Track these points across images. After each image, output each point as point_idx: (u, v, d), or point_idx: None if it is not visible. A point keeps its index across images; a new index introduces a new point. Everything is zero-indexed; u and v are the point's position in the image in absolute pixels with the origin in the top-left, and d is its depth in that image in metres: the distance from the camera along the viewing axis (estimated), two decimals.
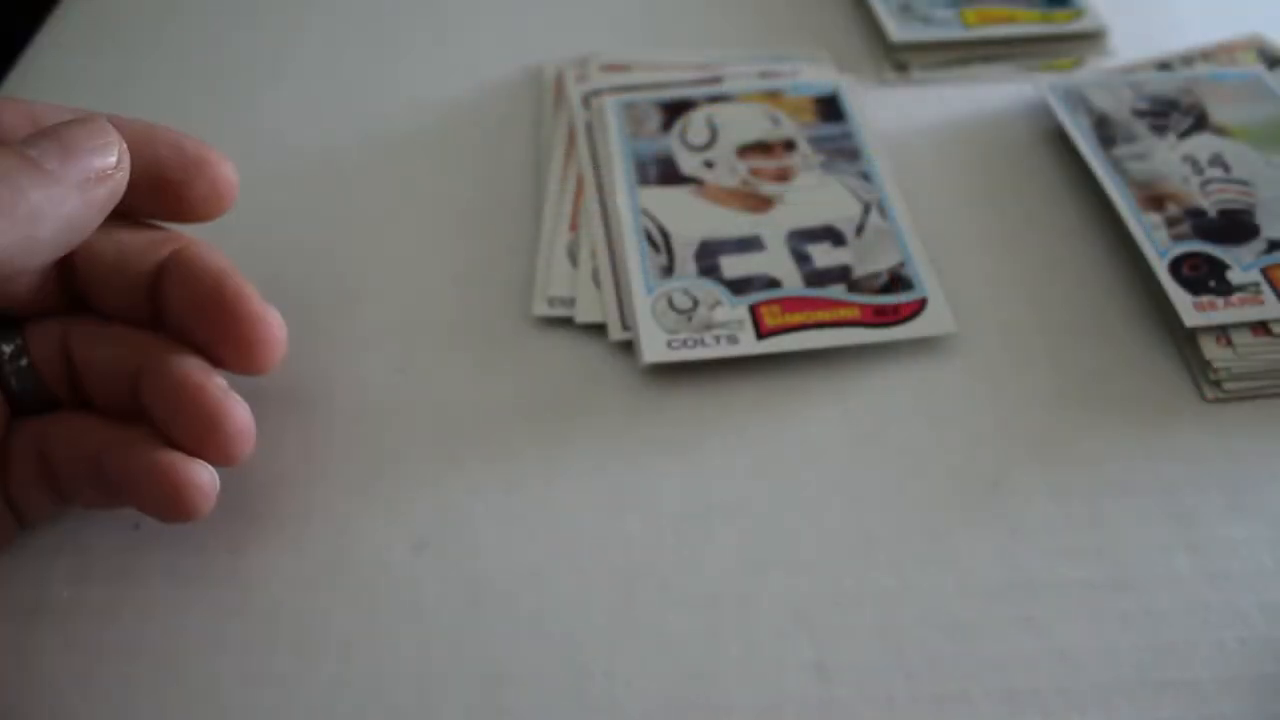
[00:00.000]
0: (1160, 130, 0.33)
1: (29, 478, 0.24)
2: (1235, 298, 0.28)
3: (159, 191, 0.24)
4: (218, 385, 0.23)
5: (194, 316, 0.24)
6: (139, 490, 0.23)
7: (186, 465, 0.23)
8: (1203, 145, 0.33)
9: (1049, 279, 0.30)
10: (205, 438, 0.23)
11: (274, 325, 0.24)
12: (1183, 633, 0.23)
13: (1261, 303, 0.28)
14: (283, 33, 0.41)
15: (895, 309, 0.29)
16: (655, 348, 0.27)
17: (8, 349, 0.24)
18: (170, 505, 0.23)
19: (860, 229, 0.31)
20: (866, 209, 0.31)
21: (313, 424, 0.27)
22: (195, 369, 0.23)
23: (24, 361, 0.24)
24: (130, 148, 0.23)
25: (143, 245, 0.24)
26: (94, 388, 0.24)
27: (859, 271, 0.30)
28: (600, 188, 0.32)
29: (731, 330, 0.28)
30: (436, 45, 0.40)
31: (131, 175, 0.23)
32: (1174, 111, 0.34)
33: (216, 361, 0.24)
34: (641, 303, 0.29)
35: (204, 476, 0.23)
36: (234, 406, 0.23)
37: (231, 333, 0.24)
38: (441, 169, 0.35)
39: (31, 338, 0.24)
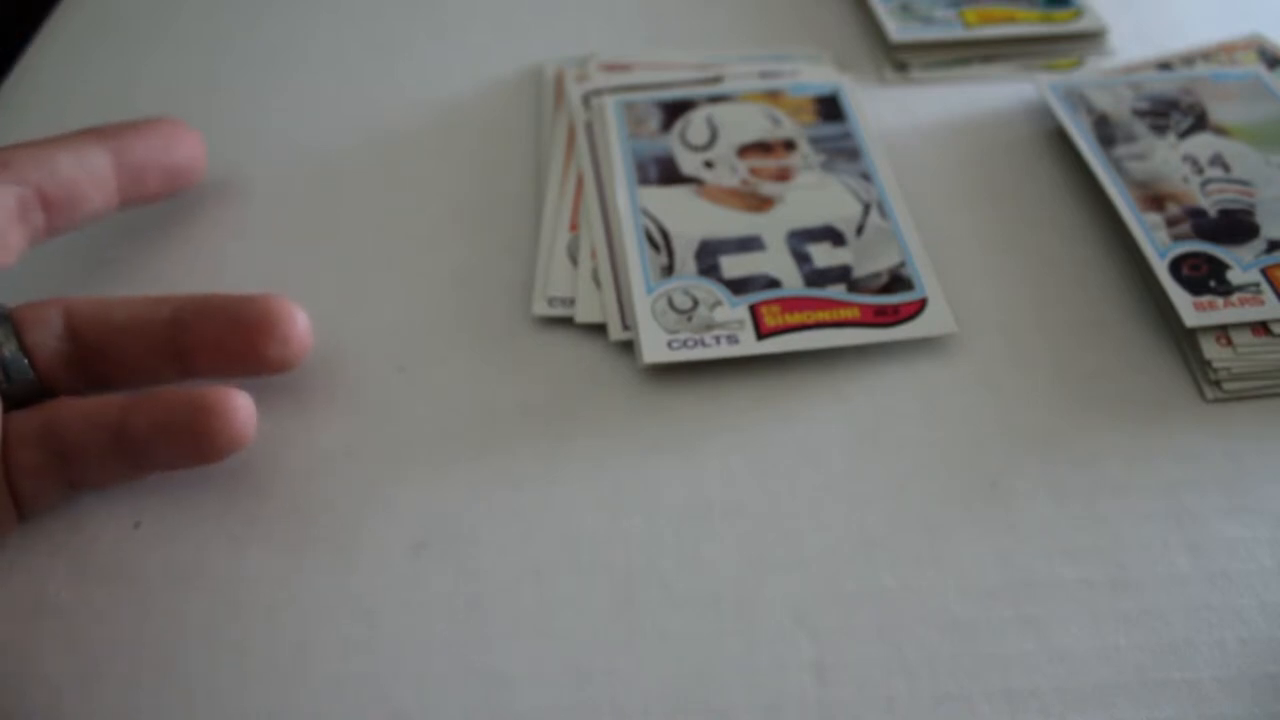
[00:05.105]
0: (1160, 130, 0.33)
1: (34, 465, 0.24)
2: (1235, 298, 0.28)
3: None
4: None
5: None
6: (174, 434, 0.23)
7: (223, 391, 0.24)
8: (1203, 145, 0.33)
9: (1049, 279, 0.30)
10: (279, 331, 0.25)
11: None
12: (1183, 633, 0.23)
13: (1262, 303, 0.28)
14: (283, 33, 0.41)
15: (895, 309, 0.29)
16: (655, 348, 0.27)
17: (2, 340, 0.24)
18: (212, 437, 0.23)
19: (860, 229, 0.31)
20: (866, 209, 0.31)
21: (313, 424, 0.27)
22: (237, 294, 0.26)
23: (16, 350, 0.24)
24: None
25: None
26: (119, 350, 0.25)
27: (859, 271, 0.30)
28: (600, 187, 0.32)
29: (731, 330, 0.28)
30: (437, 45, 0.40)
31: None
32: (1174, 111, 0.34)
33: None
34: (641, 303, 0.29)
35: (243, 401, 0.24)
36: (299, 307, 0.26)
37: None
38: (441, 169, 0.35)
39: (26, 327, 0.24)
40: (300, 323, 0.26)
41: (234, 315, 0.25)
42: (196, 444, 0.23)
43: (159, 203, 0.31)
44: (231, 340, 0.25)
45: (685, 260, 0.30)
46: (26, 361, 0.24)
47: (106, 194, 0.28)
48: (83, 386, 0.25)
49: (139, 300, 0.26)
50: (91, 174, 0.27)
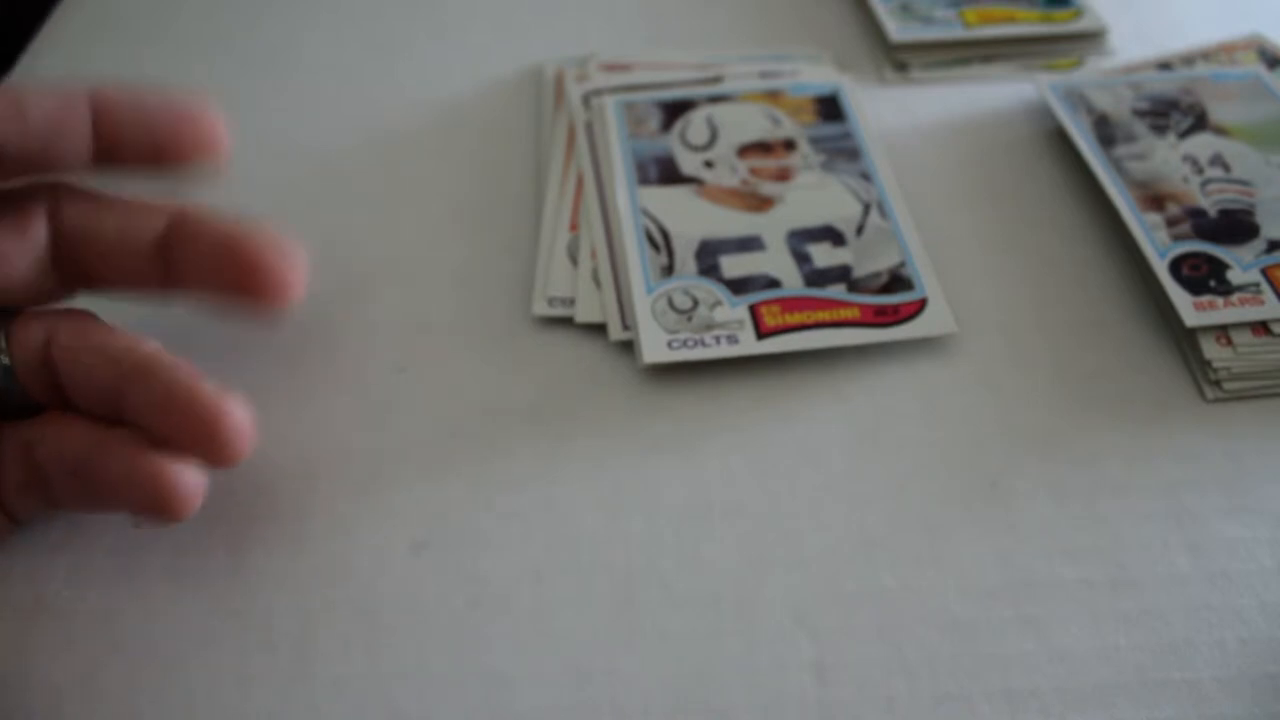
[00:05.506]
0: (1160, 130, 0.33)
1: (19, 481, 0.24)
2: (1235, 297, 0.28)
3: (152, 142, 0.23)
4: (210, 386, 0.23)
5: (212, 263, 0.23)
6: (122, 495, 0.23)
7: (170, 468, 0.22)
8: (1203, 145, 0.33)
9: (1049, 279, 0.30)
10: (203, 440, 0.22)
11: (294, 256, 0.23)
12: (1183, 633, 0.23)
13: (1262, 303, 0.28)
14: (283, 32, 0.41)
15: (895, 309, 0.29)
16: (655, 348, 0.27)
17: None
18: (154, 509, 0.22)
19: (860, 229, 0.31)
20: (866, 209, 0.31)
21: (313, 424, 0.27)
22: (183, 373, 0.23)
23: (4, 362, 0.24)
24: (121, 111, 0.23)
25: (144, 214, 0.24)
26: (76, 397, 0.24)
27: (859, 271, 0.30)
28: (600, 187, 0.32)
29: (731, 330, 0.28)
30: (437, 45, 0.40)
31: (125, 133, 0.23)
32: (1174, 111, 0.34)
33: (241, 303, 0.23)
34: (641, 303, 0.29)
35: (189, 478, 0.22)
36: (230, 405, 0.22)
37: (255, 267, 0.23)
38: (442, 169, 0.35)
39: (14, 341, 0.24)
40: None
41: (167, 402, 0.23)
42: (143, 507, 0.23)
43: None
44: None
45: (685, 260, 0.30)
46: (14, 375, 0.24)
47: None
48: (61, 404, 0.25)
49: (105, 348, 0.24)
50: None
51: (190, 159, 0.24)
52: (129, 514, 0.24)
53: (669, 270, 0.30)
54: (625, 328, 0.28)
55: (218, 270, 0.23)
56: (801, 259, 0.30)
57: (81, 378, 0.24)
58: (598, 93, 0.36)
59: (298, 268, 0.24)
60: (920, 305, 0.29)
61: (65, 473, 0.23)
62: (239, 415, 0.22)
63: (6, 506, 0.24)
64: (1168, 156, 0.32)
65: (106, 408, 0.24)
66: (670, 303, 0.29)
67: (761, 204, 0.32)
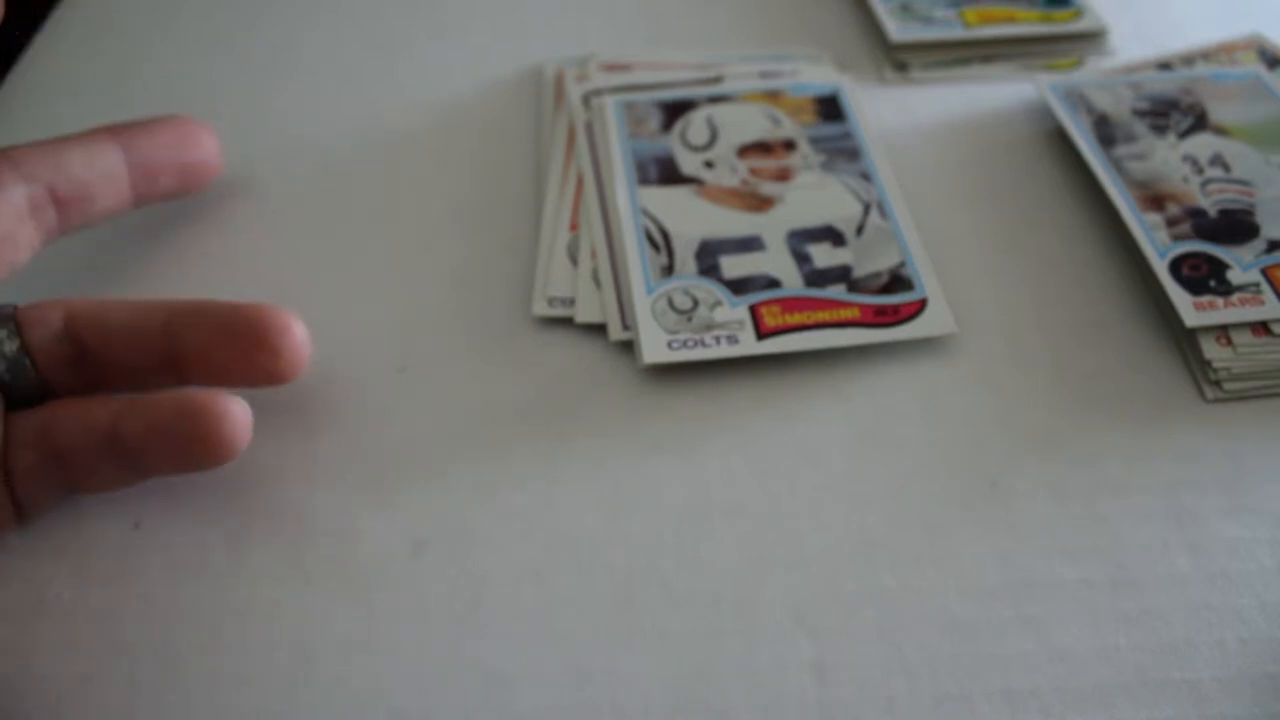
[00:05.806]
0: (1160, 130, 0.33)
1: (31, 468, 0.24)
2: (1235, 298, 0.28)
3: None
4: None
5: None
6: (165, 439, 0.23)
7: (217, 397, 0.23)
8: (1203, 145, 0.33)
9: (1049, 279, 0.30)
10: (271, 351, 0.24)
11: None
12: (1183, 633, 0.23)
13: (1262, 303, 0.28)
14: (283, 33, 0.41)
15: (895, 309, 0.29)
16: (655, 348, 0.27)
17: (2, 338, 0.24)
18: (203, 442, 0.23)
19: (860, 229, 0.31)
20: (866, 209, 0.31)
21: (313, 424, 0.27)
22: (234, 302, 0.25)
23: (18, 350, 0.24)
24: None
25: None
26: (115, 355, 0.25)
27: (859, 271, 0.30)
28: (600, 187, 0.32)
29: (731, 330, 0.28)
30: (437, 44, 0.40)
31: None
32: (1174, 111, 0.34)
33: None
34: (641, 303, 0.29)
35: (237, 407, 0.23)
36: (295, 319, 0.25)
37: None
38: (441, 168, 0.35)
39: (27, 327, 0.24)
40: (294, 335, 0.24)
41: (225, 325, 0.24)
42: (189, 450, 0.23)
43: (174, 201, 0.31)
44: (222, 351, 0.24)
45: (685, 260, 0.30)
46: (28, 361, 0.24)
47: (119, 192, 0.28)
48: (82, 388, 0.25)
49: (137, 304, 0.25)
50: (103, 172, 0.28)
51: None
52: (165, 469, 0.24)
53: (669, 270, 0.30)
54: (625, 328, 0.28)
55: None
56: (801, 259, 0.30)
57: (120, 337, 0.25)
58: (598, 93, 0.36)
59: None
60: (920, 305, 0.29)
61: (95, 444, 0.23)
62: (300, 326, 0.25)
63: (17, 497, 0.24)
64: (1168, 156, 0.32)
65: (150, 361, 0.25)
66: (670, 303, 0.29)
67: (761, 204, 0.32)
